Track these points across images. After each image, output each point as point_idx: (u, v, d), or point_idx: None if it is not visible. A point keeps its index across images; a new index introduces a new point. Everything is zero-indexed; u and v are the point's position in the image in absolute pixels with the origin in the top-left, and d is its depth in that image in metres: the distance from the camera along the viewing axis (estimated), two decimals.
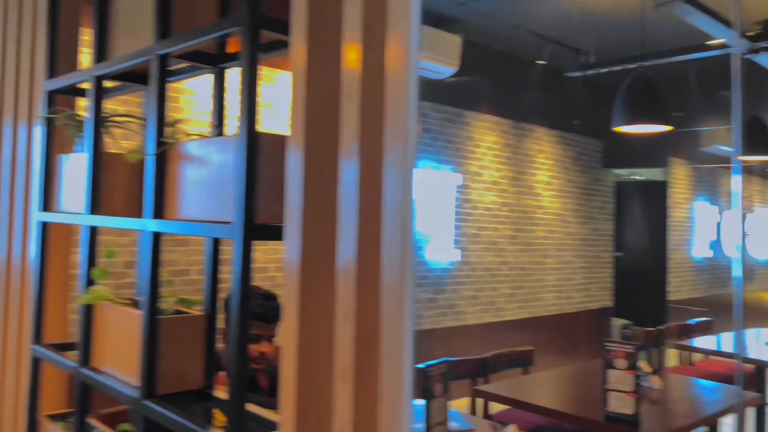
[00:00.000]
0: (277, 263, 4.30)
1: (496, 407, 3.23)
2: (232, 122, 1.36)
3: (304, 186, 1.06)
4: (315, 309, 1.04)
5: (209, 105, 1.61)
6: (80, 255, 1.56)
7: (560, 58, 5.64)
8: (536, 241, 6.23)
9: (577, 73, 5.68)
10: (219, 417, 1.21)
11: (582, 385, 3.53)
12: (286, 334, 1.04)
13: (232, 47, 1.56)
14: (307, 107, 1.08)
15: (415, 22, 0.97)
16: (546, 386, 3.51)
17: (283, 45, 1.40)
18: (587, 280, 6.84)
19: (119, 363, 1.38)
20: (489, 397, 3.13)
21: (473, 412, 3.16)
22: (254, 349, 2.14)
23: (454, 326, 5.45)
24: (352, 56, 1.05)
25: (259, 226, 1.11)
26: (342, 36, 1.07)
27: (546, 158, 6.38)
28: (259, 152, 1.12)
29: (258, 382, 2.25)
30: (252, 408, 1.15)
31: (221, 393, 1.35)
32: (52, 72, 1.90)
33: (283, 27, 1.14)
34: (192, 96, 3.86)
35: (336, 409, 0.99)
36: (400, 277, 0.93)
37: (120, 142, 1.80)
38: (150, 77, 1.39)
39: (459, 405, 3.33)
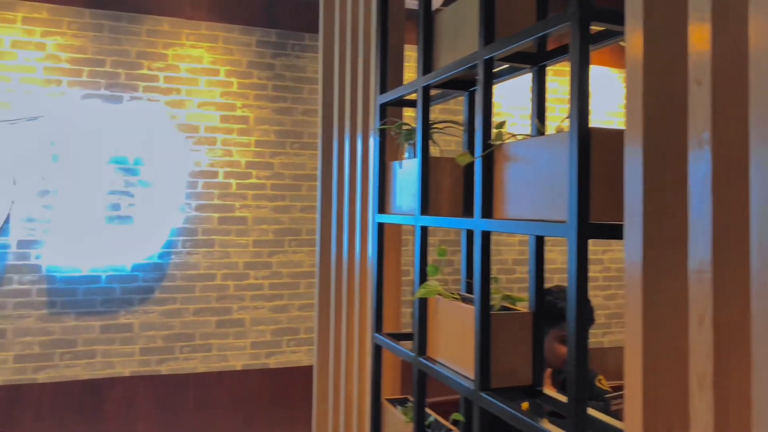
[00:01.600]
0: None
1: None
2: (524, 121, 1.34)
3: (644, 181, 0.99)
4: (662, 312, 0.96)
5: (504, 105, 1.62)
6: (414, 252, 1.71)
7: None
8: None
9: None
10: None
11: None
12: (630, 337, 0.99)
13: (552, 44, 1.55)
14: (646, 97, 1.01)
15: None
16: None
17: (608, 36, 1.35)
18: None
19: (452, 354, 1.47)
20: None
21: None
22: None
23: None
24: (700, 37, 0.95)
25: (595, 225, 1.08)
26: (686, 17, 0.97)
27: None
28: (592, 148, 1.09)
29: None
30: (591, 412, 1.11)
31: (549, 391, 1.35)
32: (383, 87, 2.12)
33: (613, 16, 1.09)
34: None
35: (693, 419, 0.90)
36: None
37: (441, 147, 1.92)
38: (477, 82, 1.45)
39: None
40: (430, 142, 1.83)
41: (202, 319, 3.53)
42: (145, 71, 3.46)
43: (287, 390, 3.67)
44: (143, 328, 3.43)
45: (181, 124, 3.51)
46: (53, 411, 3.27)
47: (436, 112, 2.28)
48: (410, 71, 2.16)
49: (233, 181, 3.61)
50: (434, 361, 1.55)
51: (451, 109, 3.61)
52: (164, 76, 3.50)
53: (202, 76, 3.57)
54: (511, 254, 4.03)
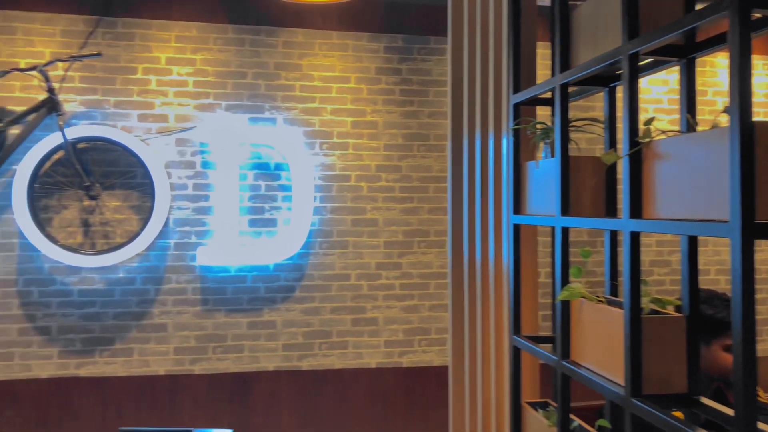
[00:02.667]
0: (718, 266, 3.90)
1: None
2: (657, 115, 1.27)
3: None
4: None
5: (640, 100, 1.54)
6: (554, 254, 1.68)
7: None
8: None
9: None
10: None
11: None
12: None
13: (701, 35, 1.47)
14: None
15: None
16: None
17: (763, 24, 1.25)
18: None
19: (599, 359, 1.43)
20: None
21: None
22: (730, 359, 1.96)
23: None
24: None
25: (761, 224, 1.01)
26: None
27: None
28: (756, 144, 1.02)
29: (728, 397, 2.06)
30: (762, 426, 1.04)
31: (708, 401, 1.28)
32: (516, 86, 2.10)
33: None
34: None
35: None
36: None
37: (580, 146, 1.87)
38: (621, 77, 1.40)
39: None
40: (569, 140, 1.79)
41: (338, 317, 3.67)
42: (282, 81, 3.65)
43: (420, 389, 3.72)
44: (285, 325, 3.62)
45: (316, 130, 3.67)
46: (208, 400, 3.54)
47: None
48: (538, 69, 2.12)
49: (364, 184, 3.72)
50: (578, 365, 1.52)
51: (579, 106, 3.50)
52: (300, 86, 3.68)
53: (334, 83, 3.71)
54: (648, 255, 3.83)
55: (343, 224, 3.68)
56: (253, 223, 3.59)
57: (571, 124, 1.81)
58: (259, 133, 3.58)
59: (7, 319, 3.35)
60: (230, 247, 3.46)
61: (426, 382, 3.73)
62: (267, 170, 3.62)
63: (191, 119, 3.55)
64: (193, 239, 3.53)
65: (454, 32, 2.62)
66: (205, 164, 3.55)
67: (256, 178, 3.60)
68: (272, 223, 3.61)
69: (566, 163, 1.66)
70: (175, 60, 3.54)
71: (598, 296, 1.53)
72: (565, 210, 1.64)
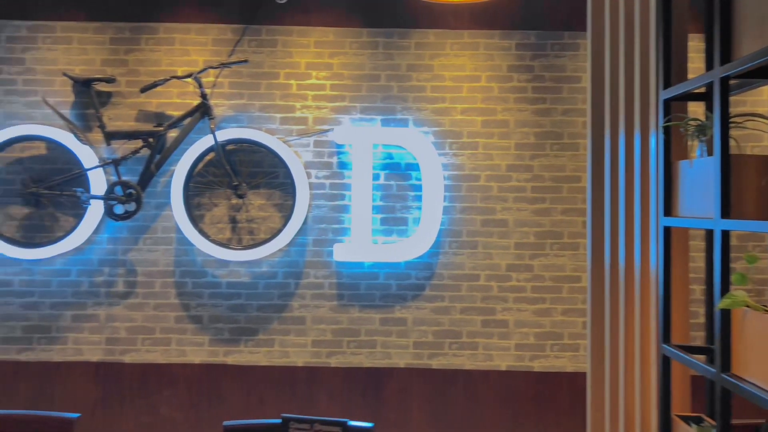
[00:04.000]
0: None
1: None
2: None
3: None
4: None
5: None
6: (711, 258, 1.57)
7: None
8: None
9: None
10: None
11: None
12: None
13: None
14: None
15: None
16: None
17: None
18: None
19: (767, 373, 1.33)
20: None
21: None
22: None
23: None
24: None
25: None
26: None
27: None
28: None
29: None
30: None
31: None
32: (667, 81, 1.99)
33: None
34: None
35: None
36: None
37: (739, 143, 1.74)
38: None
39: None
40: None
41: (468, 317, 3.66)
42: (413, 83, 3.70)
43: (552, 394, 3.62)
44: (416, 323, 3.67)
45: (446, 130, 3.69)
46: (342, 393, 3.67)
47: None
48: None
49: (494, 184, 3.69)
50: (741, 378, 1.42)
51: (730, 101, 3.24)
52: (431, 86, 3.71)
53: (464, 83, 3.71)
54: None
55: (473, 224, 3.67)
56: (385, 221, 3.67)
57: (732, 120, 1.69)
58: (391, 134, 3.65)
59: (166, 307, 3.66)
60: (364, 244, 3.56)
61: (558, 388, 3.62)
62: (398, 170, 3.68)
63: (328, 121, 3.69)
64: (330, 236, 3.67)
65: (595, 25, 2.53)
66: (341, 164, 3.68)
67: (387, 178, 3.68)
68: (403, 222, 3.67)
69: (727, 161, 1.56)
70: (313, 65, 3.70)
71: (765, 305, 1.42)
72: (726, 212, 1.53)
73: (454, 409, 3.63)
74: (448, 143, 3.68)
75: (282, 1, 3.65)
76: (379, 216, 3.66)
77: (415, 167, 3.66)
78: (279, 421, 2.00)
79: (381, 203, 3.66)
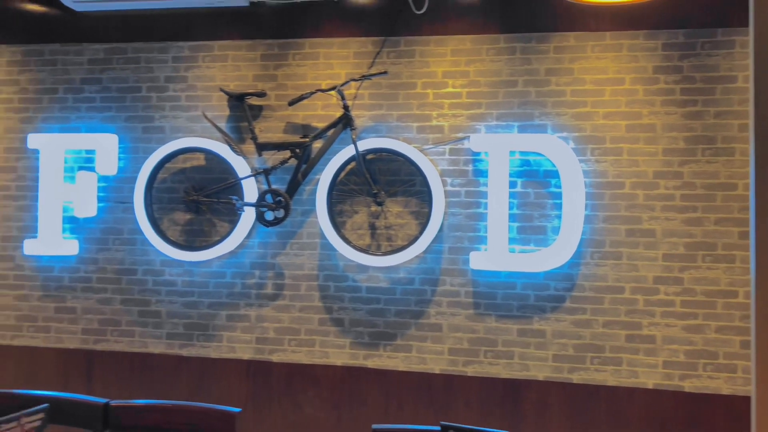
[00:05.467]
0: None
1: None
2: None
3: None
4: None
5: None
6: None
7: None
8: None
9: None
10: None
11: None
12: None
13: None
14: None
15: None
16: None
17: None
18: None
19: None
20: None
21: None
22: None
23: None
24: None
25: None
26: None
27: None
28: None
29: None
30: None
31: None
32: None
33: None
34: None
35: None
36: None
37: None
38: None
39: None
40: None
41: (611, 331, 3.52)
42: (552, 87, 3.62)
43: (705, 418, 3.39)
44: (555, 335, 3.58)
45: (587, 136, 3.57)
46: (479, 402, 3.66)
47: None
48: None
49: (640, 192, 3.51)
50: None
51: None
52: (570, 90, 3.61)
53: (607, 86, 3.57)
54: None
55: (617, 234, 3.52)
56: (522, 230, 3.61)
57: None
58: (529, 141, 3.59)
59: (310, 310, 3.85)
60: (501, 253, 3.53)
61: (712, 411, 3.38)
62: (536, 178, 3.62)
63: (464, 129, 3.70)
64: (465, 244, 3.68)
65: (759, 19, 2.34)
66: (477, 172, 3.67)
67: (525, 185, 3.63)
68: (542, 230, 3.60)
69: None
70: (450, 73, 3.73)
71: None
72: None
73: (596, 426, 3.50)
74: (590, 149, 3.56)
75: (420, 12, 3.71)
76: (516, 224, 3.61)
77: (554, 174, 3.57)
78: (437, 428, 1.98)
79: (518, 211, 3.62)
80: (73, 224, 4.06)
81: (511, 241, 3.58)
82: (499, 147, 3.56)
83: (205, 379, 3.92)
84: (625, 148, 3.54)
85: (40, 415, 1.95)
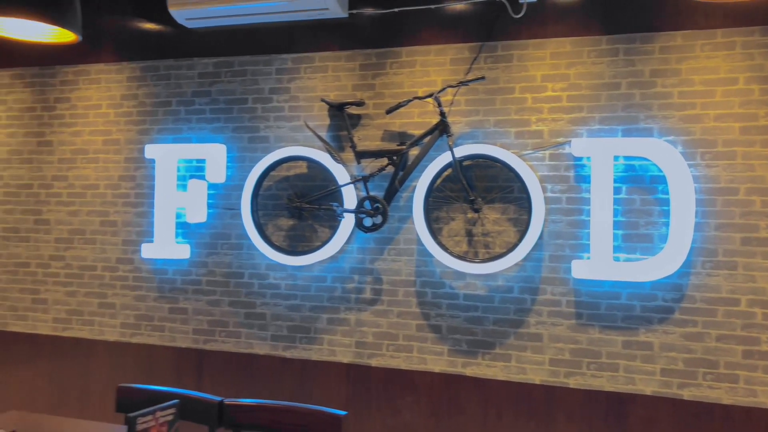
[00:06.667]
0: None
1: None
2: None
3: None
4: None
5: None
6: None
7: None
8: None
9: None
10: None
11: None
12: None
13: None
14: None
15: None
16: None
17: None
18: None
19: None
20: None
21: None
22: None
23: None
24: None
25: None
26: None
27: None
28: None
29: None
30: None
31: None
32: None
33: None
34: None
35: None
36: None
37: None
38: None
39: None
40: None
41: (726, 346, 3.32)
42: (658, 89, 3.47)
43: None
44: (663, 349, 3.42)
45: (697, 139, 3.39)
46: (582, 416, 3.56)
47: None
48: None
49: (757, 198, 3.30)
50: None
51: None
52: (678, 92, 3.44)
53: (718, 86, 3.38)
54: None
55: (731, 243, 3.32)
56: (627, 238, 3.49)
57: None
58: (634, 145, 3.45)
59: (408, 315, 3.88)
60: (604, 261, 3.42)
61: None
62: (642, 184, 3.48)
63: (564, 134, 3.61)
64: (567, 252, 3.59)
65: None
66: (579, 178, 3.58)
67: (630, 191, 3.50)
68: (648, 239, 3.45)
69: None
70: (549, 77, 3.66)
71: None
72: None
73: None
74: (700, 153, 3.39)
75: (518, 16, 3.67)
76: (621, 232, 3.49)
77: (661, 180, 3.42)
78: None
79: (622, 219, 3.49)
80: (185, 229, 4.31)
81: (616, 249, 3.46)
82: (602, 151, 3.46)
83: (307, 381, 4.04)
84: (739, 151, 3.34)
85: (172, 410, 2.10)
